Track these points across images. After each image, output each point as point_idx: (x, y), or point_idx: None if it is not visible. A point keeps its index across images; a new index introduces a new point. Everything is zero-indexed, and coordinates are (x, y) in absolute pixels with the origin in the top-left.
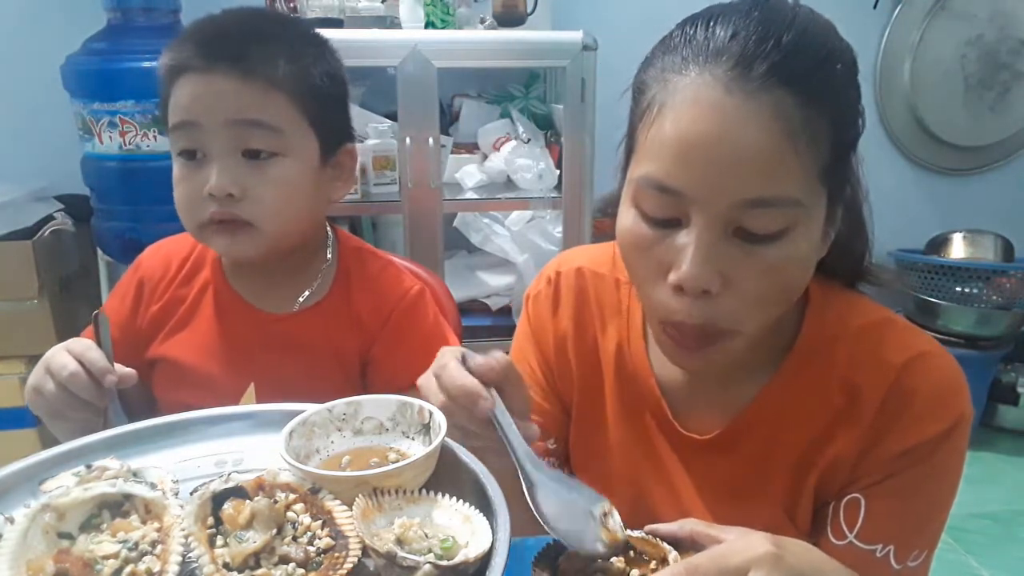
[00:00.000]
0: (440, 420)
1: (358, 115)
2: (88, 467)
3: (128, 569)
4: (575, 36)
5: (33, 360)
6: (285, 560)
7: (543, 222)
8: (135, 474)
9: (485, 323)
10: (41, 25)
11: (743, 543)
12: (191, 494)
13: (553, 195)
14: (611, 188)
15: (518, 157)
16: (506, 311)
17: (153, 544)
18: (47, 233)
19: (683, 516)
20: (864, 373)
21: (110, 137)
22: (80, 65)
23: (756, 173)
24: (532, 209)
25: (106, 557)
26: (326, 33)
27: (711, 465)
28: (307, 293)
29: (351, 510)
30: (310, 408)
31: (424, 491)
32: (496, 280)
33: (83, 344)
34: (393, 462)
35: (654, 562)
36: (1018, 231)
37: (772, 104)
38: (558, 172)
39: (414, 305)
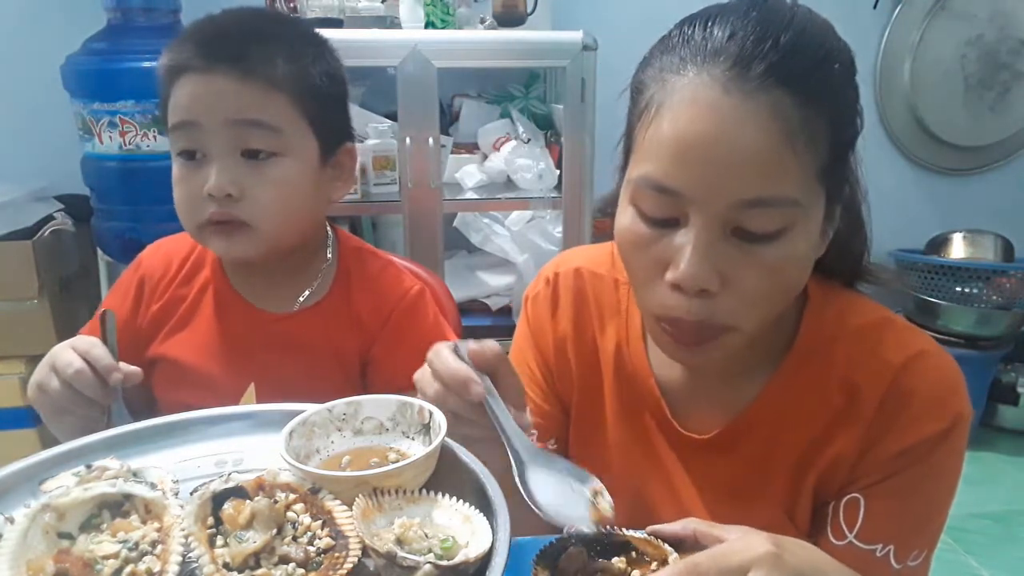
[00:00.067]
0: (440, 420)
1: (358, 115)
2: (88, 467)
3: (128, 569)
4: (575, 36)
5: (33, 360)
6: (285, 560)
7: (543, 222)
8: (135, 474)
9: (485, 323)
10: (41, 25)
11: (743, 542)
12: (191, 494)
13: (553, 195)
14: (611, 188)
15: (518, 157)
16: (506, 311)
17: (153, 544)
18: (47, 233)
19: (683, 516)
20: (863, 373)
21: (110, 137)
22: (80, 65)
23: (754, 173)
24: (532, 209)
25: (106, 557)
26: (326, 33)
27: (710, 465)
28: (307, 293)
29: (351, 510)
30: (310, 408)
31: (424, 491)
32: (496, 280)
33: (88, 341)
34: (393, 462)
35: (655, 563)
36: (1018, 231)
37: (770, 104)
38: (558, 172)
39: (414, 305)
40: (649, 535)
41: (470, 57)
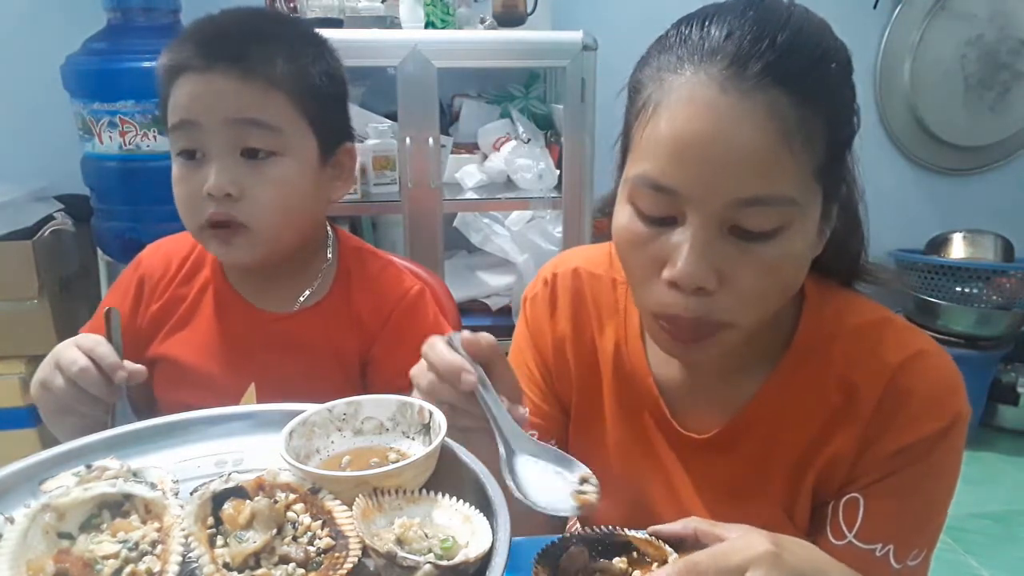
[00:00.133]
0: (440, 420)
1: (358, 115)
2: (88, 467)
3: (128, 569)
4: (575, 36)
5: (33, 360)
6: (285, 560)
7: (543, 222)
8: (135, 474)
9: (485, 323)
10: (41, 25)
11: (743, 542)
12: (191, 494)
13: (553, 195)
14: (611, 188)
15: (518, 157)
16: (506, 311)
17: (153, 544)
18: (47, 233)
19: (682, 515)
20: (861, 372)
21: (110, 137)
22: (80, 65)
23: (751, 172)
24: (532, 209)
25: (106, 557)
26: (326, 33)
27: (710, 464)
28: (307, 293)
29: (351, 510)
30: (310, 408)
31: (424, 491)
32: (496, 280)
33: (93, 339)
34: (393, 462)
35: (655, 564)
36: (1018, 231)
37: (767, 103)
38: (558, 172)
39: (414, 305)
40: (650, 535)
41: (470, 57)
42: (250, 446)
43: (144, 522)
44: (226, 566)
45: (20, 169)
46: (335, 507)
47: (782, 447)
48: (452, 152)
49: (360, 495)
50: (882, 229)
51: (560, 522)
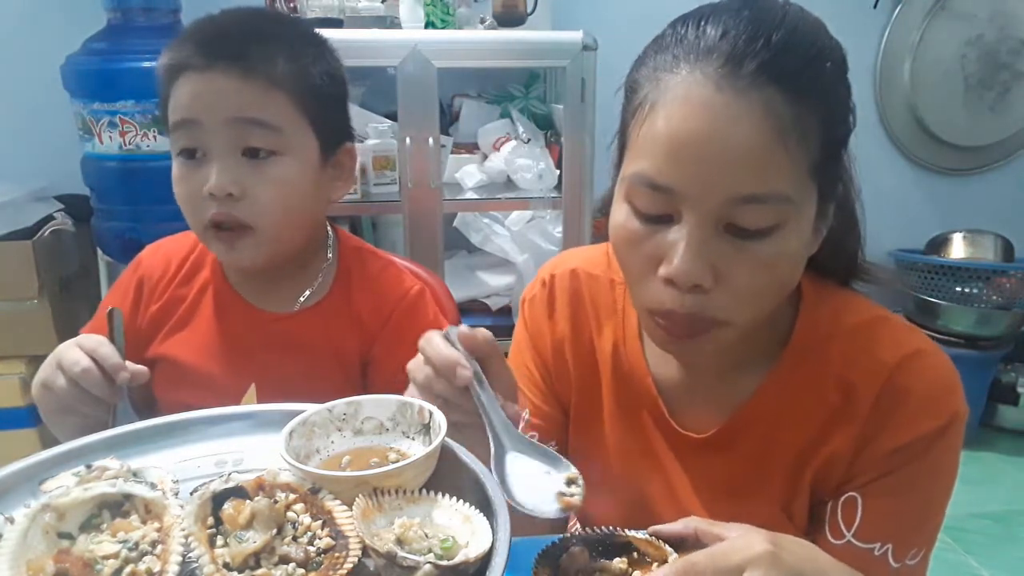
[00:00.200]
0: (440, 420)
1: (358, 115)
2: (88, 467)
3: (128, 569)
4: (575, 36)
5: (33, 360)
6: (285, 560)
7: (543, 222)
8: (135, 474)
9: (485, 323)
10: (41, 25)
11: (741, 542)
12: (191, 494)
13: (553, 195)
14: (609, 188)
15: (518, 157)
16: (506, 311)
17: (153, 544)
18: (47, 233)
19: (681, 514)
20: (858, 371)
21: (110, 137)
22: (80, 65)
23: (747, 170)
24: (532, 209)
25: (106, 557)
26: (326, 33)
27: (708, 463)
28: (307, 293)
29: (351, 510)
30: (310, 408)
31: (424, 491)
32: (496, 280)
33: (95, 340)
34: (393, 462)
35: (655, 564)
36: (1018, 231)
37: (762, 102)
38: (558, 172)
39: (414, 305)
40: (650, 535)
41: (470, 57)
42: (250, 446)
43: (144, 522)
44: (226, 566)
45: (20, 169)
46: (335, 507)
47: (780, 446)
48: (452, 152)
49: (360, 495)
50: (882, 229)
51: (561, 522)
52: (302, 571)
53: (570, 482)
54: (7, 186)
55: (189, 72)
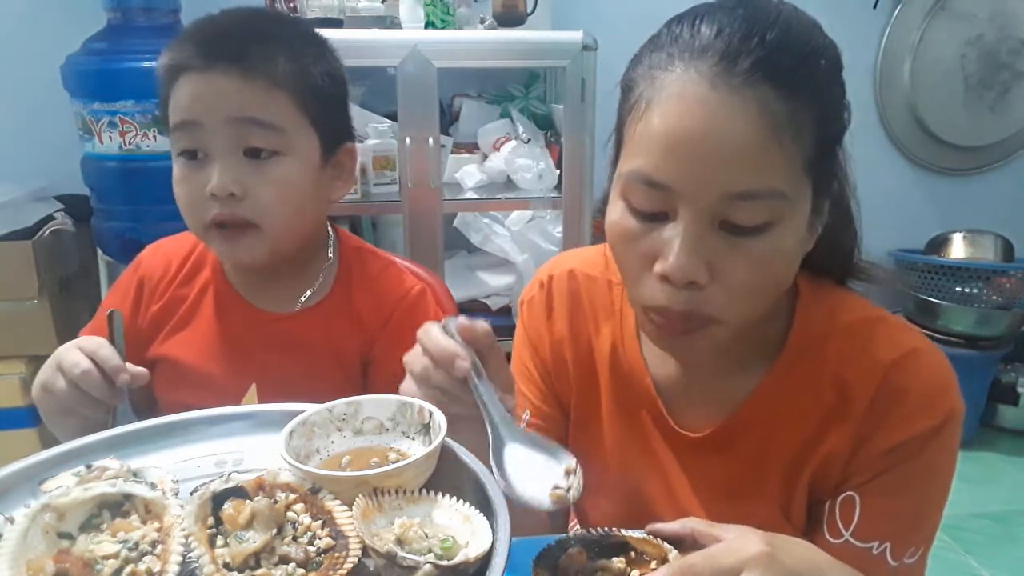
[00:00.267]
0: (440, 420)
1: (358, 115)
2: (88, 467)
3: (128, 569)
4: (575, 36)
5: (33, 360)
6: (285, 560)
7: (543, 222)
8: (135, 474)
9: None
10: (41, 25)
11: (738, 543)
12: (191, 494)
13: (553, 195)
14: (607, 187)
15: (518, 157)
16: (506, 311)
17: (153, 544)
18: (47, 233)
19: (680, 513)
20: (854, 370)
21: (110, 137)
22: (80, 65)
23: (741, 167)
24: (532, 209)
25: (106, 557)
26: (326, 33)
27: (706, 463)
28: (308, 293)
29: (351, 510)
30: (310, 408)
31: (424, 491)
32: (496, 280)
33: (95, 342)
34: (393, 462)
35: (654, 562)
36: (1018, 231)
37: (756, 99)
38: (558, 172)
39: (415, 305)
40: (648, 534)
41: (470, 57)
42: (250, 446)
43: (144, 522)
44: (226, 566)
45: (20, 169)
46: (335, 507)
47: (777, 445)
48: (452, 152)
49: (360, 495)
50: (882, 229)
51: (560, 523)
52: (302, 571)
53: (568, 473)
54: (7, 186)
55: (189, 73)
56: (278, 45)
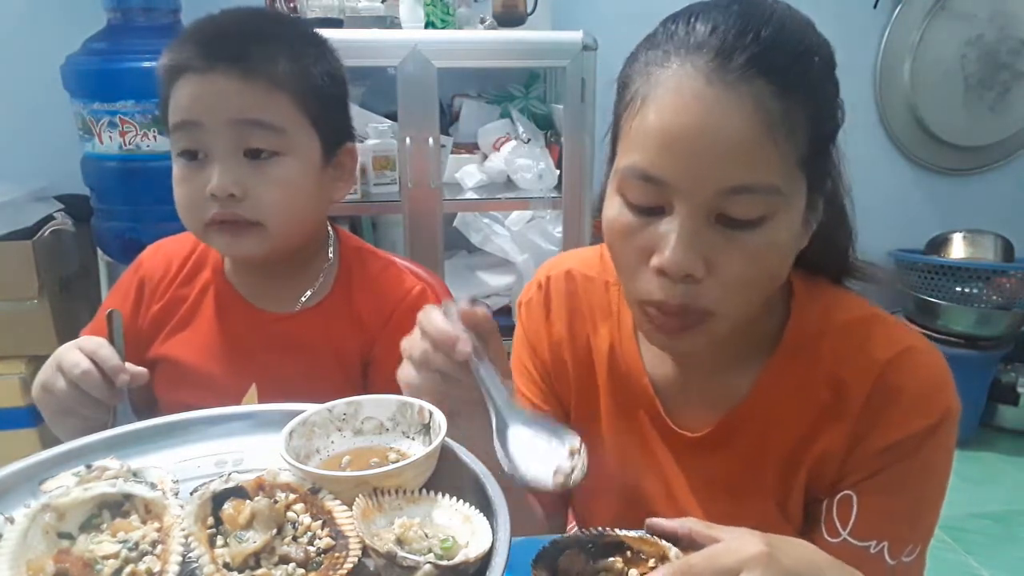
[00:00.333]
0: (440, 420)
1: (358, 115)
2: (88, 467)
3: (128, 569)
4: (575, 36)
5: (33, 360)
6: (285, 560)
7: (543, 222)
8: (135, 474)
9: None
10: (41, 25)
11: (736, 543)
12: (191, 494)
13: (553, 195)
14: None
15: (518, 157)
16: (506, 311)
17: (153, 544)
18: (47, 233)
19: (678, 512)
20: (849, 368)
21: (110, 137)
22: (80, 65)
23: (737, 161)
24: (532, 209)
25: (106, 557)
26: (326, 33)
27: (704, 462)
28: (308, 293)
29: (351, 510)
30: (310, 408)
31: (424, 491)
32: (496, 280)
33: (95, 342)
34: (393, 462)
35: (652, 560)
36: (1018, 231)
37: (751, 95)
38: (558, 172)
39: (415, 305)
40: (647, 530)
41: (470, 57)
42: (250, 446)
43: (144, 522)
44: (226, 566)
45: (20, 169)
46: (335, 507)
47: (774, 443)
48: (452, 152)
49: (360, 495)
50: (882, 229)
51: (559, 523)
52: (302, 571)
53: (572, 454)
54: (7, 186)
55: (190, 73)
56: (278, 46)
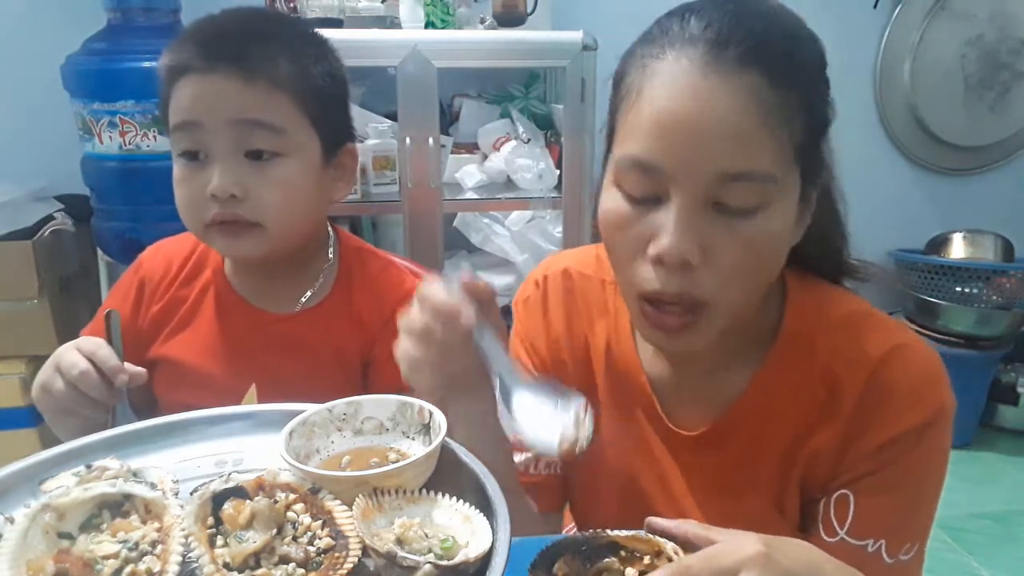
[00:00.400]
0: (440, 420)
1: (358, 115)
2: (88, 467)
3: (128, 569)
4: (575, 36)
5: (33, 360)
6: (285, 560)
7: (543, 222)
8: (135, 474)
9: None
10: (41, 25)
11: (734, 544)
12: (191, 494)
13: (553, 195)
14: None
15: (518, 157)
16: (506, 311)
17: (153, 544)
18: (47, 233)
19: (676, 510)
20: (843, 364)
21: (110, 137)
22: (80, 65)
23: (733, 148)
24: (532, 209)
25: (106, 557)
26: (326, 33)
27: (701, 461)
28: (309, 293)
29: (351, 510)
30: (310, 408)
31: (424, 491)
32: (496, 280)
33: (94, 343)
34: (393, 462)
35: (648, 557)
36: (1018, 231)
37: (746, 85)
38: (558, 172)
39: None
40: (646, 530)
41: (470, 57)
42: (250, 446)
43: (144, 522)
44: (226, 566)
45: (20, 169)
46: (335, 507)
47: (770, 442)
48: (452, 152)
49: (360, 495)
50: (882, 229)
51: (554, 520)
52: (302, 571)
53: (578, 418)
54: (7, 186)
55: (190, 74)
56: (279, 46)
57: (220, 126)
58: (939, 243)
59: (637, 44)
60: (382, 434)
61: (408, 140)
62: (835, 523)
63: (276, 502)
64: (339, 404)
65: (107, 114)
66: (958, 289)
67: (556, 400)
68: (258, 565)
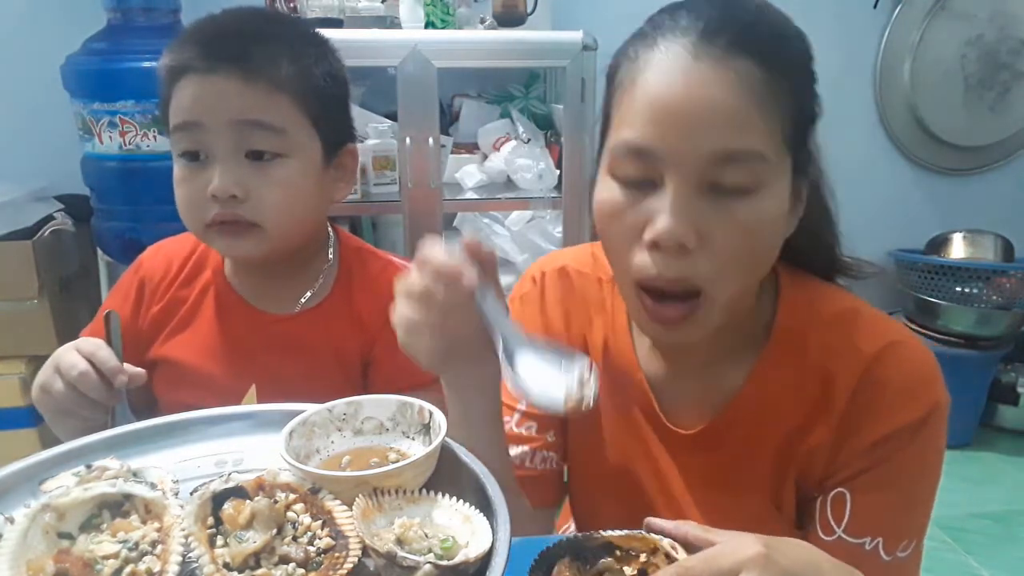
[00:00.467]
0: (440, 420)
1: (358, 115)
2: (88, 467)
3: (128, 569)
4: (575, 36)
5: (33, 360)
6: (285, 560)
7: (543, 222)
8: (135, 474)
9: None
10: (41, 25)
11: (734, 545)
12: (191, 494)
13: (553, 195)
14: None
15: (518, 157)
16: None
17: (153, 544)
18: (47, 233)
19: (674, 508)
20: (837, 361)
21: (110, 137)
22: (80, 65)
23: (725, 128)
24: (532, 209)
25: (106, 557)
26: (326, 33)
27: (698, 458)
28: (308, 294)
29: (351, 510)
30: (310, 408)
31: (424, 491)
32: None
33: (93, 343)
34: (393, 462)
35: (644, 554)
36: (1018, 231)
37: (736, 69)
38: (558, 172)
39: None
40: (645, 528)
41: (470, 57)
42: (250, 446)
43: (144, 522)
44: (226, 566)
45: (20, 169)
46: (335, 507)
47: (767, 439)
48: (452, 152)
49: (360, 495)
50: (882, 229)
51: (546, 516)
52: (302, 571)
53: (582, 377)
54: (7, 186)
55: (191, 74)
56: (279, 46)
57: (220, 126)
58: (939, 243)
59: (630, 41)
60: (382, 434)
61: (408, 140)
62: (832, 522)
63: (276, 502)
64: (339, 404)
65: (107, 114)
66: (958, 289)
67: (560, 360)
68: (258, 565)
